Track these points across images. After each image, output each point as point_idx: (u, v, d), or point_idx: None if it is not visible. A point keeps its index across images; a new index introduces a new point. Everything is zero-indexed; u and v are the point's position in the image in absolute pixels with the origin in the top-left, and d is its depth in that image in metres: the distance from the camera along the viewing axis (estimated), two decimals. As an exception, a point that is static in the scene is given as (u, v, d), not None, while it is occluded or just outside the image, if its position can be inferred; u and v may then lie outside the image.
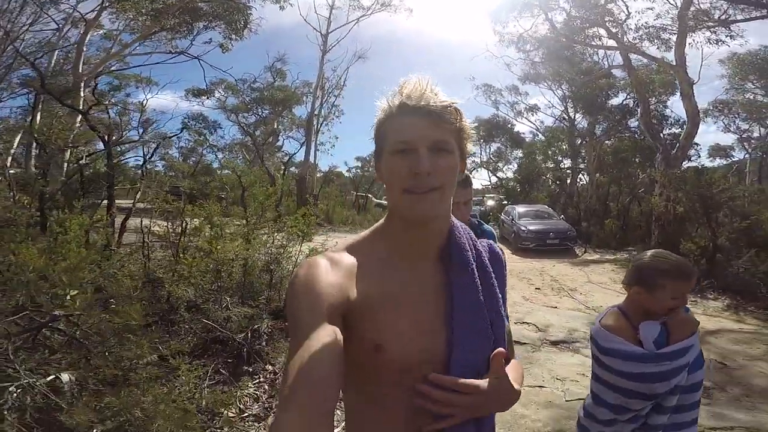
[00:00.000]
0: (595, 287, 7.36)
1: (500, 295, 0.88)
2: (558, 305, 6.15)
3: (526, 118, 25.64)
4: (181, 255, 4.13)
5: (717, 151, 28.94)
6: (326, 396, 0.59)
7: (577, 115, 21.86)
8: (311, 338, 0.62)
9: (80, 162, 5.47)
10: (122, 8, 11.47)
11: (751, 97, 17.10)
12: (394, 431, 0.79)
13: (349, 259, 0.79)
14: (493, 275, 0.88)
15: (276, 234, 4.25)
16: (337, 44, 20.33)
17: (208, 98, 22.51)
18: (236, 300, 3.37)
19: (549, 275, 8.51)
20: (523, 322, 5.14)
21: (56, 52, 14.61)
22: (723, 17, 11.49)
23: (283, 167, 19.91)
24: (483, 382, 0.76)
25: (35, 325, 2.23)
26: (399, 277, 0.81)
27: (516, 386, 0.81)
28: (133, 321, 2.14)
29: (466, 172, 1.43)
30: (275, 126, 23.82)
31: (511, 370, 0.85)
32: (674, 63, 10.27)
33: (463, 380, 0.75)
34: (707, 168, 12.93)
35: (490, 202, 23.48)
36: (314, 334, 0.63)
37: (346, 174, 36.28)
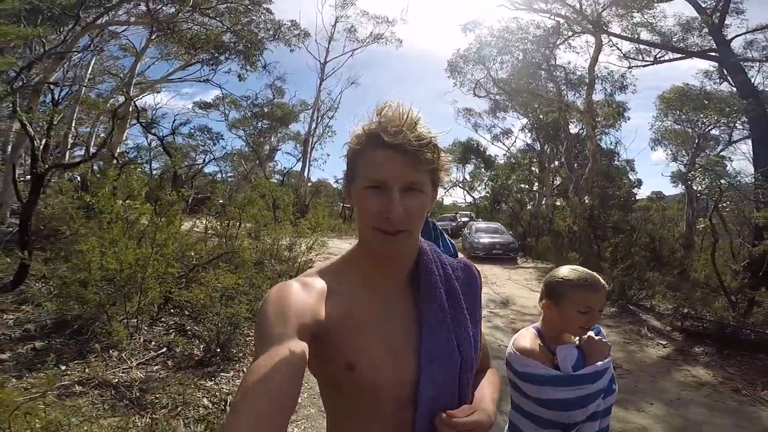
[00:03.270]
0: (509, 282, 10.25)
1: (468, 316, 0.89)
2: (477, 290, 8.98)
3: (500, 141, 28.69)
4: (229, 241, 6.88)
5: (679, 177, 32.21)
6: (280, 405, 0.58)
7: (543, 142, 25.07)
8: (274, 349, 0.63)
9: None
10: (167, 39, 14.24)
11: (678, 127, 20.00)
12: None
13: (321, 283, 0.81)
14: (461, 297, 0.90)
15: (293, 228, 7.04)
16: (333, 73, 23.39)
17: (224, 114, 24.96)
18: (275, 261, 6.13)
19: (483, 275, 11.37)
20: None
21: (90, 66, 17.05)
22: (658, 56, 14.66)
23: (282, 179, 22.67)
24: (479, 417, 0.80)
25: (192, 266, 4.96)
26: (370, 301, 0.83)
27: (491, 411, 0.85)
28: (248, 259, 4.91)
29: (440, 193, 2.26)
30: (273, 142, 26.57)
31: (487, 387, 0.93)
32: (583, 109, 13.55)
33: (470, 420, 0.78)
34: (624, 195, 16.00)
35: (464, 219, 26.48)
36: (278, 346, 0.64)
37: (334, 185, 39.21)
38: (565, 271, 1.41)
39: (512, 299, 8.15)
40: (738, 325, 5.47)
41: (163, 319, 4.24)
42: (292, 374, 0.62)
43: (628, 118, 20.31)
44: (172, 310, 4.41)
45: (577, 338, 1.41)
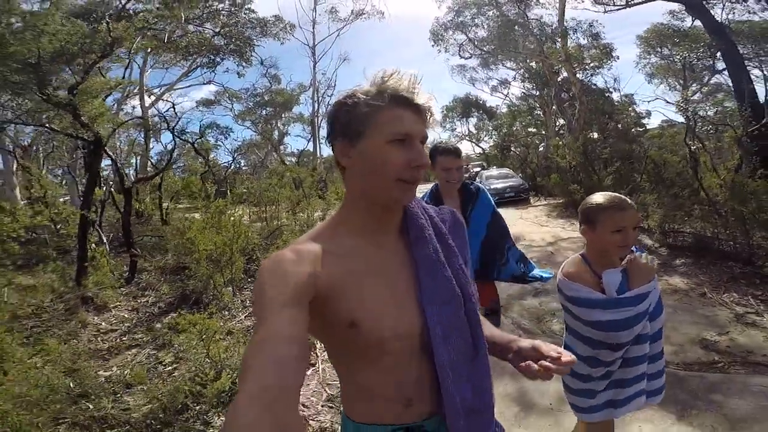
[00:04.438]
0: (521, 221, 11.28)
1: (459, 254, 0.95)
2: (490, 231, 10.09)
3: (499, 91, 28.88)
4: (270, 222, 8.09)
5: (679, 107, 31.87)
6: (287, 374, 0.58)
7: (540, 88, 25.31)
8: (274, 321, 0.64)
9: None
10: (163, 50, 15.21)
11: (664, 62, 20.20)
12: (381, 401, 0.86)
13: (314, 247, 0.82)
14: (449, 237, 0.95)
15: (323, 201, 8.20)
16: (324, 54, 24.21)
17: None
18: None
19: (497, 217, 12.45)
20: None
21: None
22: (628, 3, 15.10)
23: (296, 161, 23.80)
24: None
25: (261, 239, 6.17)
26: (365, 257, 0.86)
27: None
28: (295, 231, 6.09)
29: (453, 143, 2.41)
30: (280, 126, 27.56)
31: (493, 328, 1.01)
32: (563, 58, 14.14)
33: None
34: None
35: (476, 169, 27.32)
36: (277, 317, 0.64)
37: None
38: (595, 196, 1.51)
39: (522, 235, 9.17)
40: (713, 236, 6.00)
41: (245, 287, 5.49)
42: (294, 343, 0.62)
43: (617, 57, 20.55)
44: (249, 279, 5.64)
45: (624, 262, 1.47)
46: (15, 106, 6.85)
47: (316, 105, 24.58)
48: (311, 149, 25.94)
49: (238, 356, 3.27)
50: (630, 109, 22.96)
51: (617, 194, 1.47)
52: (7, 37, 4.16)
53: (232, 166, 19.35)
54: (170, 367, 3.46)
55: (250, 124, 26.72)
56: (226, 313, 4.56)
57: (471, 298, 0.91)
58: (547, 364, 0.81)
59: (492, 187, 16.34)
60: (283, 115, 28.00)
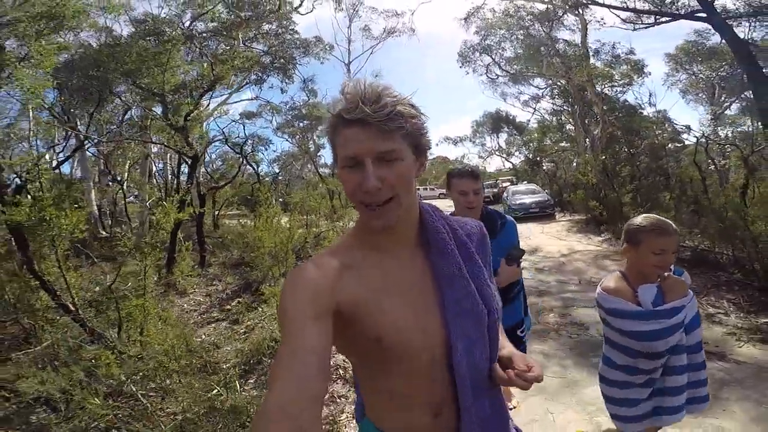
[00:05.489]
0: (542, 235, 11.94)
1: (483, 267, 0.94)
2: (510, 243, 10.83)
3: (530, 106, 29.14)
4: (311, 228, 9.17)
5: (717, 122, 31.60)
6: (312, 387, 0.62)
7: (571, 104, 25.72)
8: (298, 336, 0.66)
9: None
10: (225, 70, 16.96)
11: (694, 79, 20.50)
12: (414, 410, 0.87)
13: (335, 262, 0.82)
14: (473, 250, 0.94)
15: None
16: (359, 71, 25.61)
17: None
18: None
19: (520, 231, 13.02)
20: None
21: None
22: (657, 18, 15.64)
23: (331, 173, 25.10)
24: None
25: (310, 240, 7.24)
26: (386, 270, 0.86)
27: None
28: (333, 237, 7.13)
29: (470, 165, 2.31)
30: (315, 138, 29.11)
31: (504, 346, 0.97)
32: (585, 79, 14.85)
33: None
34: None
35: (505, 184, 27.84)
36: (301, 332, 0.67)
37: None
38: (640, 219, 1.58)
39: (540, 247, 9.87)
40: (709, 250, 6.60)
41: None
42: (317, 356, 0.65)
43: (649, 73, 20.63)
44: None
45: (659, 278, 1.54)
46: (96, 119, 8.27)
47: (349, 120, 26.08)
48: (345, 162, 27.21)
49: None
50: (667, 125, 22.98)
51: (662, 218, 1.56)
52: (143, 71, 5.43)
53: (275, 177, 20.85)
54: (244, 336, 4.50)
55: (288, 136, 28.33)
56: (281, 299, 5.59)
57: (494, 312, 0.91)
58: (512, 374, 0.86)
59: (518, 202, 17.02)
60: (319, 128, 29.51)
